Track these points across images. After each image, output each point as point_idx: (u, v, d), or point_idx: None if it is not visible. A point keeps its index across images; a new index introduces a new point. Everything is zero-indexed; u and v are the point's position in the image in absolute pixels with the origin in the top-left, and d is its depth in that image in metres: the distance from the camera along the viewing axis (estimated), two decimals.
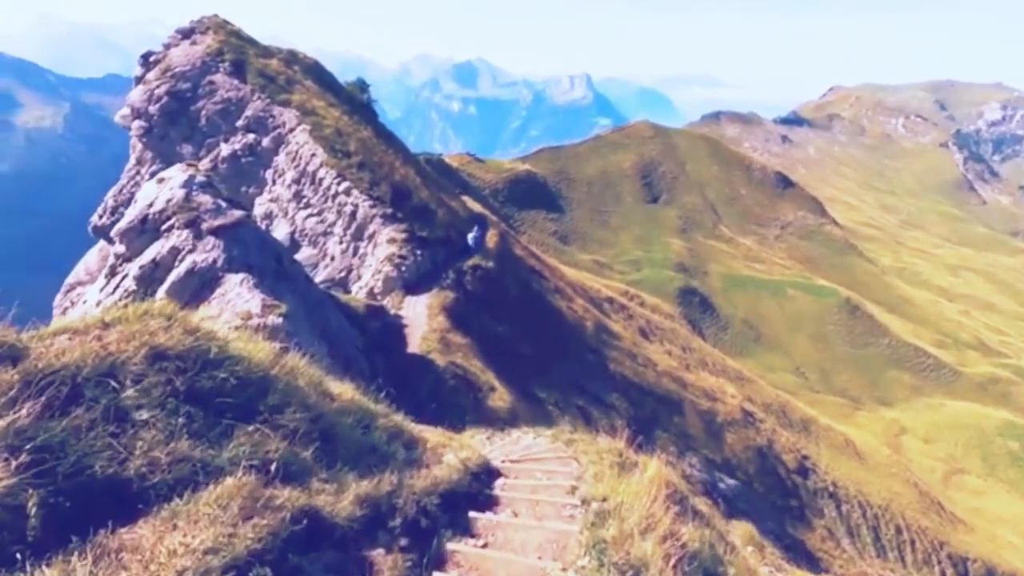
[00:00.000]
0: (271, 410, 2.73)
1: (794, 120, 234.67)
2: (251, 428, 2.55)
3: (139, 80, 27.80)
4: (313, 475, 2.59)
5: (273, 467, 2.41)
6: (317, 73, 32.97)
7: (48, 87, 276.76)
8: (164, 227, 10.26)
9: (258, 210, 27.00)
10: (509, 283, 29.07)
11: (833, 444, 52.73)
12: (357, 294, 22.81)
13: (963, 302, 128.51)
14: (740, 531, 6.82)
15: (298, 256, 25.96)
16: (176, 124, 27.11)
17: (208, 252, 10.02)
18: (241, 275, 9.69)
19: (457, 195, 42.25)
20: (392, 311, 20.23)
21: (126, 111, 27.30)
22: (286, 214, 26.00)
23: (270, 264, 10.99)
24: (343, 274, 24.76)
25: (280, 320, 8.66)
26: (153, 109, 26.69)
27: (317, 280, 25.07)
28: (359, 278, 24.00)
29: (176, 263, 9.82)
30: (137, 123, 26.74)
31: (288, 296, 10.50)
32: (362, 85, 37.40)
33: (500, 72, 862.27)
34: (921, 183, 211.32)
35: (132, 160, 28.01)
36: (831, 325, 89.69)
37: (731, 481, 30.87)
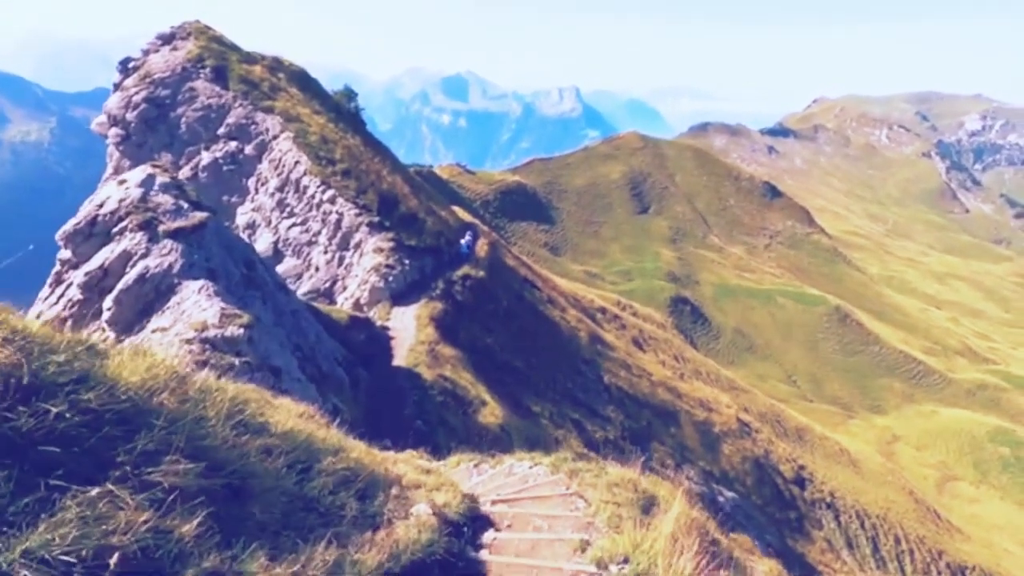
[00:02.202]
0: (141, 459, 1.83)
1: (780, 131, 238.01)
2: (95, 492, 1.64)
3: (117, 87, 26.95)
4: (192, 565, 1.67)
5: (113, 560, 1.47)
6: (303, 80, 32.29)
7: (35, 101, 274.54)
8: (115, 230, 9.36)
9: (240, 219, 26.12)
10: (500, 293, 28.33)
11: (828, 453, 52.27)
12: (342, 305, 21.94)
13: (950, 309, 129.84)
14: (766, 567, 6.06)
15: (282, 266, 25.09)
16: (155, 131, 26.23)
17: (164, 256, 9.10)
18: (200, 282, 8.75)
19: (447, 205, 41.59)
20: (379, 322, 19.38)
21: (103, 118, 26.40)
22: (269, 223, 25.14)
23: (238, 271, 10.09)
24: (328, 285, 23.89)
25: (241, 331, 7.77)
26: (131, 116, 25.81)
27: (301, 291, 24.19)
28: (344, 289, 23.14)
29: (127, 269, 8.97)
30: (114, 131, 25.84)
31: (257, 305, 9.62)
32: (349, 94, 36.67)
33: (490, 85, 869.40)
34: (905, 192, 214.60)
35: (109, 169, 27.05)
36: (821, 333, 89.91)
37: (729, 494, 30.10)
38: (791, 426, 51.97)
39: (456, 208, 44.09)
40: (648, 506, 3.63)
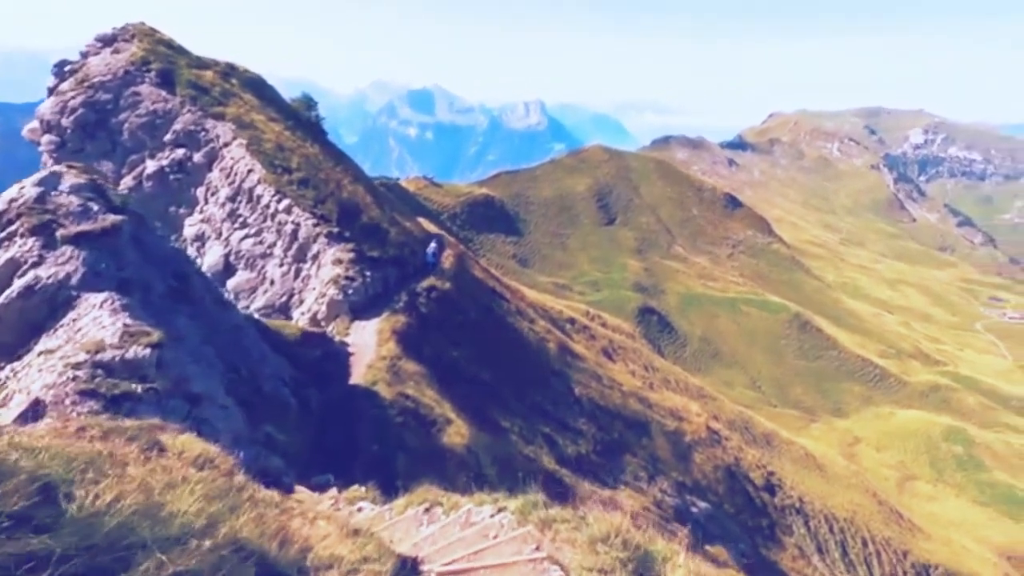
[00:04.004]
0: None
1: (739, 144, 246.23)
2: None
3: (52, 91, 25.14)
4: None
5: None
6: (258, 87, 30.96)
7: None
8: (2, 235, 8.06)
9: (188, 231, 24.57)
10: (467, 305, 27.49)
11: (795, 458, 53.00)
12: (298, 320, 20.70)
13: (902, 314, 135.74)
14: None
15: (234, 280, 23.65)
16: (94, 138, 24.50)
17: (61, 265, 7.81)
18: (104, 295, 7.44)
19: (412, 216, 40.60)
20: (337, 338, 18.26)
21: (35, 124, 24.53)
22: (220, 235, 23.68)
23: (164, 282, 8.87)
24: (284, 299, 22.58)
25: (147, 352, 6.59)
26: (67, 122, 24.04)
27: (255, 306, 22.81)
28: (301, 303, 21.89)
29: (14, 280, 7.68)
30: (47, 137, 24.00)
31: (181, 321, 8.45)
32: (309, 102, 35.36)
33: (456, 98, 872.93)
34: (857, 202, 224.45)
35: None
36: (783, 339, 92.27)
37: (703, 504, 29.82)
38: (759, 432, 52.50)
39: (423, 220, 43.15)
40: (643, 571, 2.85)
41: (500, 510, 4.05)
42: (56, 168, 9.09)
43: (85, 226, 8.22)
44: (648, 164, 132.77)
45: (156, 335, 6.78)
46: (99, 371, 5.93)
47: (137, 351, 6.39)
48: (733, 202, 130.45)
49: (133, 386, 5.91)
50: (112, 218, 8.58)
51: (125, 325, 6.77)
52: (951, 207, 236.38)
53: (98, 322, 6.83)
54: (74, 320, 7.02)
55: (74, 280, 7.62)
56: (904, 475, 71.79)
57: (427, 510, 4.60)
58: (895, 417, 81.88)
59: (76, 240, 8.00)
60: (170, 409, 6.02)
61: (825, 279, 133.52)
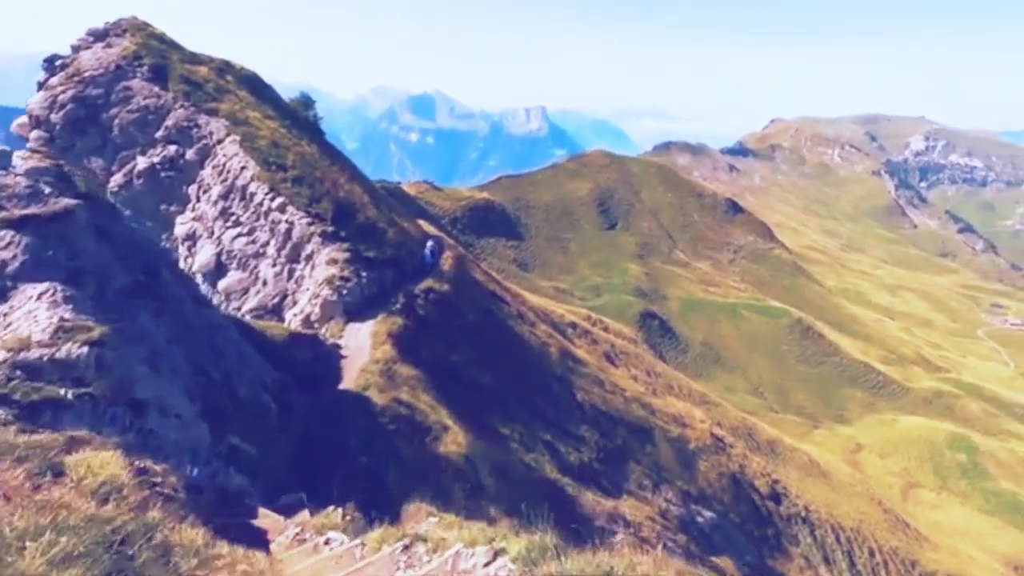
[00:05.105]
0: None
1: (739, 150, 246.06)
2: None
3: (41, 86, 24.52)
4: None
5: None
6: (254, 85, 30.34)
7: None
8: None
9: (180, 230, 23.88)
10: (466, 308, 26.76)
11: (799, 465, 52.15)
12: (291, 322, 19.97)
13: (903, 319, 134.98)
14: None
15: (226, 280, 22.93)
16: (84, 134, 23.86)
17: None
18: (45, 285, 6.70)
19: (411, 218, 39.92)
20: (330, 340, 17.53)
21: (23, 120, 23.88)
22: (211, 234, 22.99)
23: (129, 275, 8.10)
24: (277, 300, 21.85)
25: (84, 351, 5.69)
26: (56, 117, 23.41)
27: (247, 308, 22.08)
28: (295, 304, 21.17)
29: None
30: (36, 133, 23.35)
31: (142, 317, 7.68)
32: (307, 101, 34.73)
33: (457, 104, 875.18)
34: (858, 209, 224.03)
35: None
36: (785, 345, 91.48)
37: (708, 514, 28.99)
38: (763, 439, 51.67)
39: (423, 223, 42.50)
40: None
41: (497, 554, 3.19)
42: (6, 148, 8.34)
43: (32, 209, 7.43)
44: (649, 169, 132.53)
45: (98, 331, 5.93)
46: (19, 372, 5.11)
47: (71, 349, 5.53)
48: (734, 207, 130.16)
49: (61, 391, 5.08)
50: (65, 202, 7.75)
51: (62, 319, 5.95)
52: (952, 213, 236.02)
53: (32, 315, 6.00)
54: (5, 314, 6.20)
55: (11, 268, 6.80)
56: (908, 483, 70.81)
57: (406, 548, 3.70)
58: (898, 424, 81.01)
59: (19, 224, 7.18)
60: (108, 418, 5.23)
61: (826, 285, 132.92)
